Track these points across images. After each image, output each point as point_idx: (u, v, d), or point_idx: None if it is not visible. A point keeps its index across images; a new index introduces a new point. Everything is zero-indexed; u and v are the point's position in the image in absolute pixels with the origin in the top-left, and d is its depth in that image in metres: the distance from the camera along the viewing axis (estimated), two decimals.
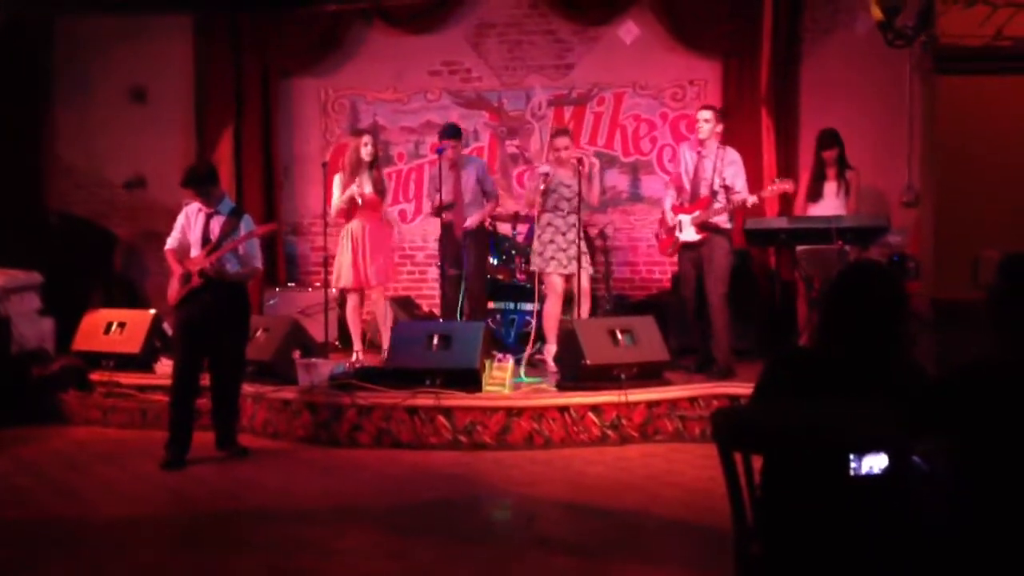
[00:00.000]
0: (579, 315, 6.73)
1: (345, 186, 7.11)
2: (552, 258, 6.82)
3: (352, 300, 7.30)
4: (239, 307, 5.92)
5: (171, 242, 5.98)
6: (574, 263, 6.75)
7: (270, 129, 8.93)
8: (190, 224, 5.92)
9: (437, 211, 7.15)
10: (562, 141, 6.92)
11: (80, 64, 9.06)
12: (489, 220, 7.81)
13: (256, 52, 8.84)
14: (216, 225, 5.83)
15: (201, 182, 5.81)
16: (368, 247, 7.12)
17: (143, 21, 8.88)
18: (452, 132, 7.27)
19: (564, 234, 6.81)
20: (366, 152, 7.12)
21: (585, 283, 6.86)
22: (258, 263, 6.01)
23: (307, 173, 8.95)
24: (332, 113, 9.03)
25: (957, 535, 2.42)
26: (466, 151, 8.64)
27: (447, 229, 7.18)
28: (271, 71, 8.91)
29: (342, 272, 7.19)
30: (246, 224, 5.85)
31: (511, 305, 7.54)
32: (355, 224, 7.17)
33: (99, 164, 9.13)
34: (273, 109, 8.94)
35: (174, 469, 5.65)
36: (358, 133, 7.45)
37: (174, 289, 5.83)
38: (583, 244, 6.87)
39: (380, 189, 7.21)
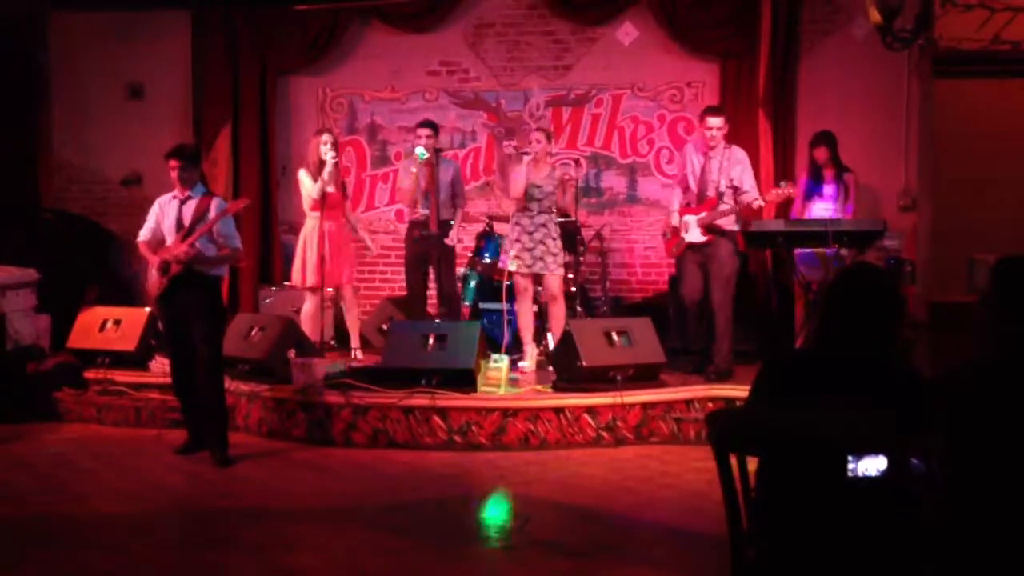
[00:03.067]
0: (552, 318, 6.76)
1: (314, 180, 7.05)
2: (516, 257, 6.78)
3: (313, 300, 7.16)
4: (210, 304, 5.78)
5: (144, 234, 5.89)
6: (539, 263, 6.72)
7: (268, 127, 8.91)
8: (164, 213, 5.85)
9: (413, 204, 7.13)
10: (536, 136, 6.85)
11: (76, 60, 9.03)
12: (486, 219, 7.84)
13: (253, 50, 8.82)
14: (188, 210, 5.77)
15: (184, 157, 5.77)
16: (330, 246, 7.03)
17: (139, 17, 8.86)
18: (428, 123, 7.22)
19: (531, 234, 6.75)
20: (324, 151, 7.04)
21: (554, 286, 6.77)
22: (237, 242, 5.90)
23: None
24: (330, 112, 9.02)
25: (953, 535, 2.41)
26: (463, 152, 8.65)
27: (422, 224, 7.13)
28: (269, 69, 8.89)
29: (303, 269, 7.09)
30: (217, 205, 5.79)
31: (507, 305, 7.50)
32: (319, 223, 7.01)
33: (95, 161, 9.11)
34: (271, 107, 8.92)
35: (184, 454, 5.86)
36: (319, 132, 7.39)
37: (153, 280, 5.79)
38: (553, 245, 6.77)
39: (342, 188, 7.24)
